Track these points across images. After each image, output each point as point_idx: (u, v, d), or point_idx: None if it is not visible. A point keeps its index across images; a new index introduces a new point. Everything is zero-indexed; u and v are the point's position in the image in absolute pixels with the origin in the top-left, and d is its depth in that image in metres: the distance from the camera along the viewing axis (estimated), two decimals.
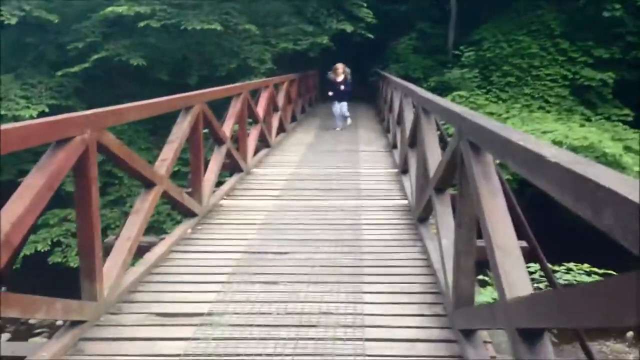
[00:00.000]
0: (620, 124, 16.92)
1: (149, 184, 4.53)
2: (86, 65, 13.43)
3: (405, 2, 20.91)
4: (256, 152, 9.23)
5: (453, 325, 3.37)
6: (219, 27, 13.17)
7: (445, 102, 4.80)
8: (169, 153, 5.05)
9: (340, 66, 12.84)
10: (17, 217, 2.70)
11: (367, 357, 3.14)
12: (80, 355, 3.15)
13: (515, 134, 2.39)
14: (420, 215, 5.41)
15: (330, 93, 12.95)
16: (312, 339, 3.34)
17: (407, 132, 7.00)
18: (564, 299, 1.66)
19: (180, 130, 5.33)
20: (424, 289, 4.08)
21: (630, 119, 17.09)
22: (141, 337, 3.39)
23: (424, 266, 4.52)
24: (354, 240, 5.20)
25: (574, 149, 13.04)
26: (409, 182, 6.80)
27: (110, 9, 13.06)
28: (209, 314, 3.68)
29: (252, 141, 8.79)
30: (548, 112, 17.58)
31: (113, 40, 13.75)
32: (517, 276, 2.26)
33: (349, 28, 16.16)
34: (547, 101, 18.08)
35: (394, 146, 9.67)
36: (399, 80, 10.56)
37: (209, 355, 3.17)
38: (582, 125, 15.89)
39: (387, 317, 3.63)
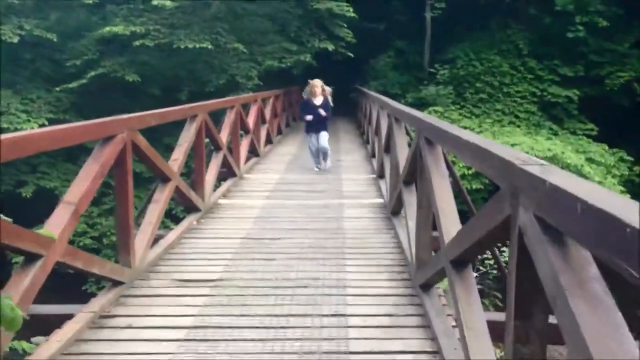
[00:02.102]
0: (585, 137, 18.13)
1: (165, 179, 5.41)
2: (84, 81, 14.24)
3: (384, 21, 22.04)
4: (247, 160, 10.12)
5: (414, 284, 4.28)
6: (209, 46, 14.11)
7: (410, 110, 5.78)
8: (179, 154, 5.94)
9: (318, 83, 9.57)
10: (82, 193, 3.57)
11: (348, 307, 4.03)
12: (124, 306, 4.01)
13: (455, 129, 3.34)
14: (394, 209, 6.34)
15: (309, 118, 9.49)
16: (305, 295, 4.24)
17: (383, 141, 7.96)
18: (463, 232, 2.59)
19: (187, 135, 6.23)
20: (394, 262, 5.00)
21: (594, 133, 18.31)
22: (169, 294, 4.26)
23: (395, 247, 5.45)
24: (337, 229, 6.11)
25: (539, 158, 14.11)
26: (385, 184, 7.73)
27: (107, 28, 13.93)
28: (220, 280, 4.56)
29: (243, 150, 9.70)
30: (518, 126, 18.74)
31: (109, 58, 14.61)
32: (453, 231, 3.19)
33: (330, 47, 17.19)
34: (517, 116, 19.25)
35: (373, 155, 10.63)
36: (376, 94, 11.55)
37: (224, 305, 4.04)
38: (548, 139, 17.06)
39: (364, 280, 4.54)
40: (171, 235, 5.63)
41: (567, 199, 1.50)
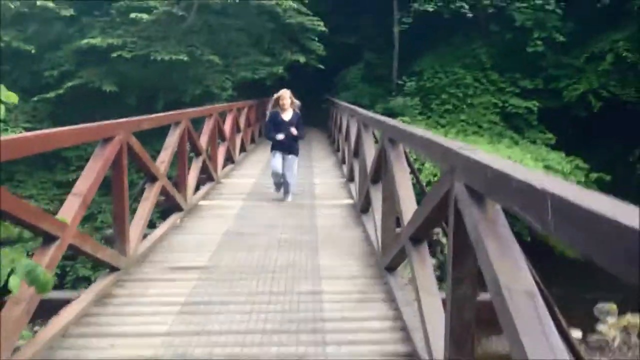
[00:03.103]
0: (544, 146, 19.07)
1: (153, 179, 5.90)
2: (60, 91, 14.56)
3: (354, 35, 22.78)
4: (224, 166, 10.61)
5: (381, 267, 4.85)
6: (185, 58, 14.58)
7: (376, 116, 6.39)
8: (165, 157, 6.44)
9: (286, 95, 8.01)
10: (88, 186, 4.07)
11: (323, 286, 4.57)
12: (122, 288, 4.49)
13: (411, 128, 3.94)
14: (363, 207, 6.92)
15: (280, 137, 7.93)
16: (284, 278, 4.77)
17: (353, 146, 8.56)
18: (417, 211, 3.17)
19: (172, 140, 6.73)
20: (362, 251, 5.58)
21: (553, 142, 19.25)
22: (161, 278, 4.77)
23: (364, 239, 6.02)
24: (311, 226, 6.66)
25: None
26: (354, 186, 8.32)
27: (85, 40, 14.30)
28: (207, 267, 5.06)
29: (220, 156, 10.19)
30: (481, 136, 19.58)
31: (86, 69, 14.95)
32: (411, 211, 3.77)
33: (302, 59, 17.81)
34: (480, 126, 20.11)
35: (343, 161, 11.22)
36: (346, 104, 12.17)
37: (212, 287, 4.55)
38: (508, 147, 17.93)
39: (336, 266, 5.11)
40: (158, 232, 6.11)
41: (483, 169, 2.08)
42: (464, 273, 2.47)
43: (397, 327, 3.78)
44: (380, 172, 5.39)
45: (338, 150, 13.24)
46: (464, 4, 19.59)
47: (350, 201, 8.06)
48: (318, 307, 4.13)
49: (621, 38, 18.43)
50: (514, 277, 1.88)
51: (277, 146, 8.06)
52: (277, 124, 8.04)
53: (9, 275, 2.80)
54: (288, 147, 8.01)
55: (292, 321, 3.89)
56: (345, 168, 10.51)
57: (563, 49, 19.71)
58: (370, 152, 6.47)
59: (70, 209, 3.87)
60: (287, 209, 7.53)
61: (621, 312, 13.22)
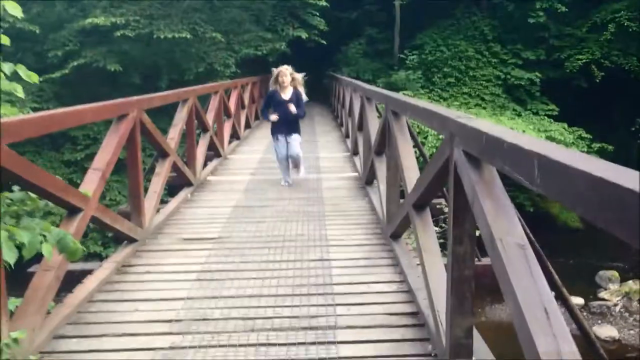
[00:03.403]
0: (546, 117, 19.18)
1: (164, 155, 6.10)
2: (65, 71, 14.70)
3: (355, 9, 22.76)
4: (229, 142, 10.80)
5: (386, 235, 5.07)
6: (188, 36, 14.68)
7: (379, 89, 6.56)
8: (174, 133, 6.64)
9: (286, 71, 7.44)
10: (106, 160, 4.27)
11: (331, 254, 4.80)
12: (141, 258, 4.73)
13: (412, 100, 4.12)
14: (367, 179, 7.12)
15: (274, 118, 7.43)
16: (294, 246, 5.00)
17: (357, 120, 8.73)
18: (420, 179, 3.37)
19: (180, 117, 6.92)
20: (368, 221, 5.80)
21: (555, 113, 19.36)
22: (177, 249, 5.00)
23: (369, 210, 6.24)
24: (317, 198, 6.87)
25: None
26: (359, 159, 8.51)
27: (89, 20, 14.40)
28: (219, 238, 5.29)
29: (226, 132, 10.38)
30: (484, 108, 19.69)
31: (90, 48, 15.07)
32: (414, 180, 3.97)
33: (303, 35, 17.87)
34: (483, 99, 20.20)
35: (347, 136, 11.40)
36: (349, 79, 12.31)
37: (226, 256, 4.78)
38: (511, 119, 18.07)
39: (343, 235, 5.33)
40: (170, 206, 6.33)
41: (479, 135, 2.28)
42: (463, 232, 2.67)
43: (402, 289, 4.01)
44: (384, 144, 5.58)
45: (341, 124, 13.40)
46: None
47: (355, 174, 8.26)
48: (327, 273, 4.36)
49: (622, 7, 18.42)
50: (507, 231, 2.09)
51: (277, 129, 7.49)
52: (276, 104, 7.48)
53: (41, 243, 3.01)
54: (288, 128, 7.43)
55: (303, 285, 4.12)
56: (349, 142, 10.68)
57: (565, 19, 19.71)
58: (373, 125, 6.65)
59: (91, 183, 4.08)
60: (293, 183, 7.73)
61: (623, 279, 13.49)
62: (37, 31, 14.69)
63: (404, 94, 19.09)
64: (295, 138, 7.50)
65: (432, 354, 3.08)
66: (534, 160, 1.66)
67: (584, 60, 18.96)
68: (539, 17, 19.31)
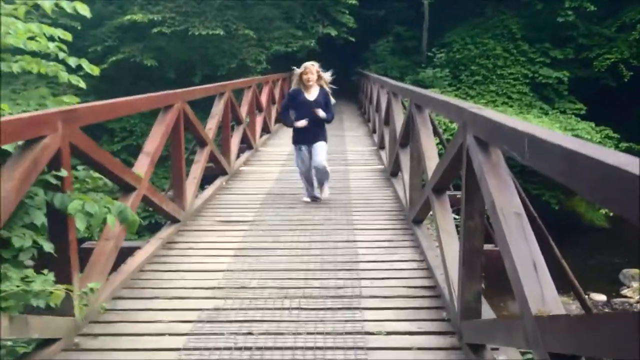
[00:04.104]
0: (573, 116, 19.26)
1: (203, 144, 6.56)
2: (104, 66, 15.32)
3: (383, 7, 23.06)
4: (260, 136, 11.25)
5: (408, 220, 5.45)
6: (222, 33, 15.20)
7: (405, 85, 6.93)
8: (212, 125, 7.11)
9: (312, 68, 6.34)
10: (155, 146, 4.74)
11: (357, 236, 5.20)
12: (183, 237, 5.19)
13: (433, 94, 4.50)
14: (392, 171, 7.49)
15: (300, 124, 6.32)
16: (322, 229, 5.42)
17: (383, 115, 9.10)
18: (439, 165, 3.75)
19: (217, 109, 7.39)
20: (392, 208, 6.18)
21: (583, 112, 19.42)
22: (215, 229, 5.45)
23: (393, 198, 6.62)
24: (344, 187, 7.27)
25: None
26: (385, 153, 8.88)
27: (128, 16, 15.02)
28: (253, 221, 5.73)
29: (258, 126, 10.84)
30: (511, 106, 19.82)
31: (128, 44, 15.70)
32: (434, 167, 4.34)
33: (333, 32, 18.26)
34: (510, 97, 20.33)
35: (374, 131, 11.76)
36: (376, 76, 12.66)
37: (260, 237, 5.21)
38: (537, 117, 18.20)
39: (368, 221, 5.72)
40: (208, 192, 6.79)
41: (486, 121, 2.65)
42: (473, 209, 3.05)
43: (422, 266, 4.39)
44: (408, 136, 5.95)
45: (369, 120, 13.76)
46: None
47: (381, 166, 8.63)
48: (353, 252, 4.77)
49: None
50: (507, 202, 2.47)
51: (300, 137, 6.38)
52: (299, 105, 6.32)
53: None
54: (314, 136, 6.30)
55: (331, 262, 4.54)
56: (376, 137, 11.04)
57: (594, 18, 19.73)
58: (399, 119, 7.02)
59: (142, 166, 4.55)
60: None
61: None
62: (79, 27, 15.33)
63: (431, 91, 19.45)
64: (320, 145, 6.32)
65: (446, 319, 3.47)
66: (524, 139, 2.04)
67: (612, 60, 18.99)
68: (568, 16, 19.35)
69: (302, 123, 6.28)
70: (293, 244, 5.02)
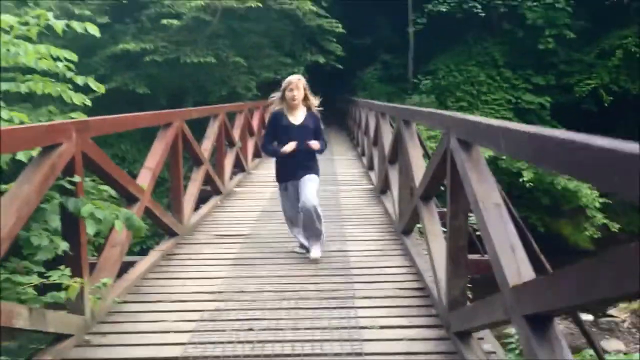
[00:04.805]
0: None
1: (199, 163, 6.80)
2: (97, 94, 15.59)
3: (370, 36, 23.63)
4: (252, 159, 11.51)
5: (397, 231, 5.69)
6: (213, 60, 15.55)
7: (392, 104, 7.24)
8: (207, 145, 7.37)
9: (299, 84, 5.13)
10: (156, 161, 4.97)
11: (348, 246, 5.42)
12: (182, 249, 5.39)
13: (419, 109, 4.79)
14: (382, 189, 7.75)
15: (290, 147, 5.08)
16: None
17: (372, 136, 9.40)
18: (425, 173, 4.01)
19: (212, 130, 7.67)
20: (381, 222, 6.44)
21: None
22: (213, 242, 5.67)
23: (383, 214, 6.87)
24: (335, 204, 7.52)
25: (512, 158, 15.73)
26: (374, 174, 9.15)
27: (120, 45, 15.35)
28: (249, 235, 5.95)
29: (250, 149, 11.10)
30: None
31: (121, 73, 16.00)
32: (421, 177, 4.60)
33: (321, 59, 18.70)
34: None
35: (363, 154, 12.06)
36: (364, 100, 13.03)
37: (256, 249, 5.43)
38: None
39: (359, 232, 5.98)
40: (203, 210, 7.00)
41: (468, 123, 2.93)
42: (458, 209, 3.30)
43: (411, 271, 4.63)
44: (397, 153, 6.23)
45: (358, 145, 14.07)
46: (476, 4, 20.38)
47: (371, 186, 8.90)
48: (346, 260, 5.00)
49: (630, 34, 19.05)
50: (488, 195, 2.72)
51: (286, 171, 5.14)
52: (283, 132, 5.06)
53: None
54: (303, 167, 5.07)
55: (325, 269, 4.76)
56: (365, 159, 11.33)
57: (574, 45, 20.36)
58: (387, 137, 7.31)
59: (144, 179, 4.78)
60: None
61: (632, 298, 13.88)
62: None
63: None
64: (310, 179, 5.07)
65: (435, 314, 3.69)
66: (500, 132, 2.31)
67: (593, 85, 19.55)
68: (549, 44, 19.98)
69: (290, 147, 4.98)
70: (288, 254, 5.24)
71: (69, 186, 3.27)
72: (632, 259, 1.34)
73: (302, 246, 5.26)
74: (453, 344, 3.24)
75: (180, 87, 16.64)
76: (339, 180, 9.58)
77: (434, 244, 4.05)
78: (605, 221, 16.39)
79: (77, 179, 3.31)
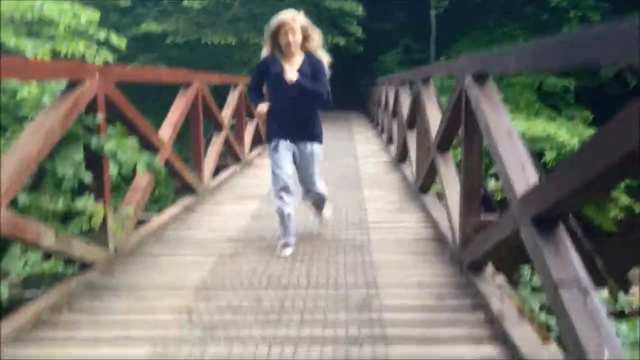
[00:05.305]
0: (581, 123, 19.52)
1: (219, 128, 6.91)
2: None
3: (391, 20, 23.56)
4: None
5: (415, 192, 5.73)
6: (233, 42, 15.68)
7: (403, 73, 7.25)
8: (227, 112, 7.47)
9: (293, 23, 3.80)
10: (177, 117, 5.08)
11: (366, 205, 5.48)
12: (202, 205, 5.51)
13: (435, 64, 4.81)
14: (400, 157, 7.78)
15: (262, 109, 3.98)
16: (332, 201, 5.70)
17: (391, 108, 9.42)
18: (441, 123, 4.05)
19: (232, 99, 7.77)
20: (400, 186, 6.49)
21: (590, 120, 19.69)
22: (231, 201, 5.77)
23: (401, 180, 6.91)
24: (355, 174, 7.58)
25: (534, 139, 15.63)
26: (393, 147, 9.18)
27: (144, 24, 15.54)
28: (266, 195, 6.02)
29: None
30: (519, 115, 20.13)
31: (142, 54, 16.20)
32: (437, 128, 4.63)
33: (342, 42, 18.71)
34: (517, 106, 20.63)
35: (382, 131, 12.09)
36: (383, 78, 13.05)
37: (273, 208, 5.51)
38: (544, 122, 18.50)
39: (378, 195, 6.04)
40: (222, 176, 7.11)
41: (482, 56, 2.97)
42: (472, 147, 3.34)
43: (428, 224, 4.67)
44: (415, 116, 6.26)
45: (378, 124, 14.09)
46: None
47: (389, 158, 8.93)
48: (363, 215, 5.06)
49: None
50: (500, 123, 2.77)
51: (276, 127, 3.96)
52: (275, 82, 3.91)
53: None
54: (300, 127, 3.95)
55: (342, 222, 4.83)
56: (384, 136, 11.35)
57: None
58: (406, 104, 7.33)
59: (165, 133, 4.89)
60: (333, 162, 8.43)
61: None
62: None
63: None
64: (311, 154, 4.02)
65: (449, 256, 3.74)
66: (510, 52, 2.36)
67: (617, 68, 19.25)
68: (573, 26, 19.72)
69: (262, 107, 3.95)
70: (305, 210, 5.30)
71: (92, 124, 3.37)
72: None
73: (286, 244, 4.01)
74: (467, 277, 3.29)
75: (200, 68, 16.78)
76: (359, 155, 9.62)
77: (450, 189, 4.10)
78: (628, 203, 16.21)
79: (99, 117, 3.42)
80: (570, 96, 20.44)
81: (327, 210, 4.59)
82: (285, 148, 3.96)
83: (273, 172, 3.98)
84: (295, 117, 3.93)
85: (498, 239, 2.61)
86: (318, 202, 4.47)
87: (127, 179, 4.30)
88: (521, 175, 2.43)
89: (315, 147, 4.02)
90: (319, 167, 4.17)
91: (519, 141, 2.67)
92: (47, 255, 5.25)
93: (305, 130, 3.98)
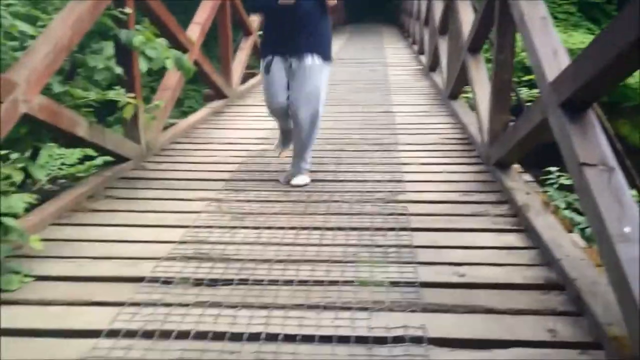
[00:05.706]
0: None
1: (247, 33, 6.83)
2: None
3: None
4: None
5: (445, 98, 5.66)
6: None
7: None
8: (255, 17, 7.32)
9: None
10: (205, 17, 5.03)
11: (394, 108, 5.45)
12: (230, 108, 5.55)
13: None
14: (431, 66, 7.62)
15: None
16: (362, 105, 5.68)
17: (424, 16, 9.14)
18: (472, 24, 3.92)
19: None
20: (430, 92, 6.40)
21: None
22: (256, 104, 5.77)
23: (431, 87, 6.81)
24: (384, 80, 7.46)
25: (571, 52, 15.09)
26: (424, 57, 8.97)
27: None
28: None
29: None
30: (557, 26, 19.37)
31: None
32: (468, 23, 4.50)
33: None
34: (555, 17, 19.77)
35: (414, 42, 11.78)
36: None
37: None
38: (582, 34, 17.78)
39: (406, 100, 5.98)
40: (251, 81, 7.09)
41: None
42: (505, 42, 3.26)
43: (457, 127, 4.65)
44: (447, 23, 6.08)
45: (409, 36, 13.71)
46: None
47: (420, 67, 8.75)
48: (391, 118, 5.05)
49: None
50: (534, 10, 2.69)
51: (271, 41, 3.34)
52: None
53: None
54: (301, 38, 3.22)
55: (370, 123, 4.86)
56: (416, 47, 11.08)
57: None
58: (438, 10, 7.10)
59: (194, 34, 4.86)
60: (362, 69, 8.32)
61: None
62: None
63: None
64: (314, 67, 3.25)
65: (477, 155, 3.75)
66: None
67: None
68: None
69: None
70: (336, 114, 5.31)
71: (121, 16, 3.37)
72: None
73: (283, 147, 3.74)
74: (493, 174, 3.31)
75: None
76: (389, 63, 9.45)
77: (479, 89, 4.04)
78: None
79: (128, 10, 3.40)
80: (612, 8, 19.48)
81: (302, 177, 3.34)
82: (281, 65, 3.25)
83: (266, 91, 3.38)
84: (298, 26, 3.17)
85: (526, 130, 2.59)
86: (300, 148, 3.36)
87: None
88: (553, 60, 2.38)
89: (317, 60, 3.21)
90: (322, 95, 3.31)
91: (552, 28, 2.59)
92: (81, 162, 5.41)
93: (310, 42, 3.19)
